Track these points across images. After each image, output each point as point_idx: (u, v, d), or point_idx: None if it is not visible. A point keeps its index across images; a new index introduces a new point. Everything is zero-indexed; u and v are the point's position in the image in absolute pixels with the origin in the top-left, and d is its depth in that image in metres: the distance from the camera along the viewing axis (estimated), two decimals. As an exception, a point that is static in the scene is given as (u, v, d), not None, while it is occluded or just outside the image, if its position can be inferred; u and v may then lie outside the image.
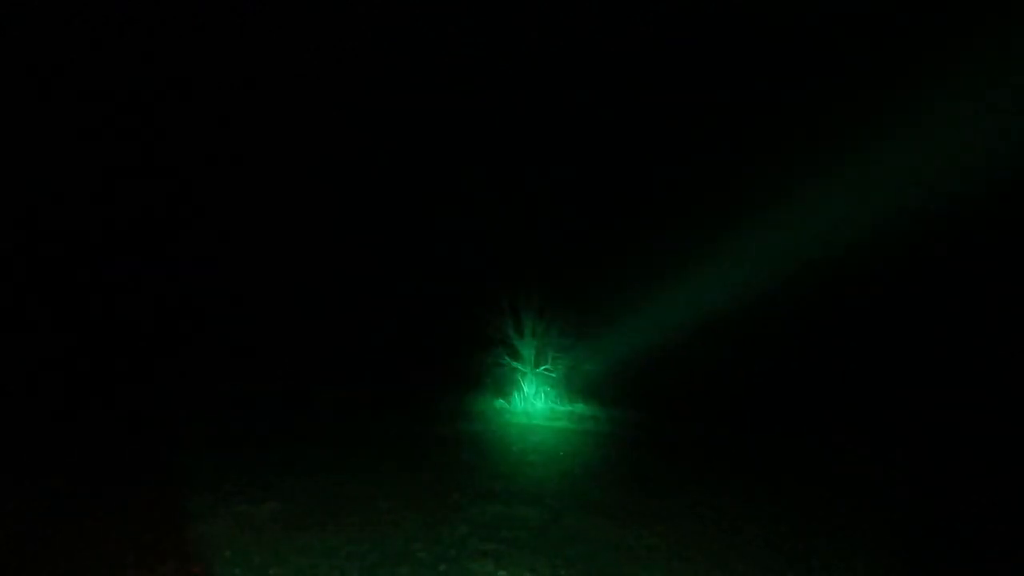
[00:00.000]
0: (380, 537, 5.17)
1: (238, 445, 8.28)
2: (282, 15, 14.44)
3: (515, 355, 14.01)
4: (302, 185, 15.72)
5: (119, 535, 4.91)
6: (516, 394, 13.54)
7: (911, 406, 11.18)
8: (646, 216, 14.89)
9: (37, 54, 13.21)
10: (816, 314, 12.72)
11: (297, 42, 14.80)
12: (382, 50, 15.36)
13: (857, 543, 5.68)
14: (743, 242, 13.54)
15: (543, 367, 13.80)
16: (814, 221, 12.79)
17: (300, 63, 14.97)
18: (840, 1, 12.73)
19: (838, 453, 10.05)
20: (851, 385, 12.12)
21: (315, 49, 14.86)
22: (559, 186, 14.67)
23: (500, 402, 13.19)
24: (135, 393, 11.77)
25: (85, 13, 13.04)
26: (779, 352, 12.91)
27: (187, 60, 14.39)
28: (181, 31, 14.16)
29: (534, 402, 13.40)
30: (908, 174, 12.01)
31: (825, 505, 7.00)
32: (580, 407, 13.02)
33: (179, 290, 14.77)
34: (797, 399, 11.95)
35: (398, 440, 9.28)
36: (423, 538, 5.19)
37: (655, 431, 11.41)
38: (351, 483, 6.74)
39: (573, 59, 14.60)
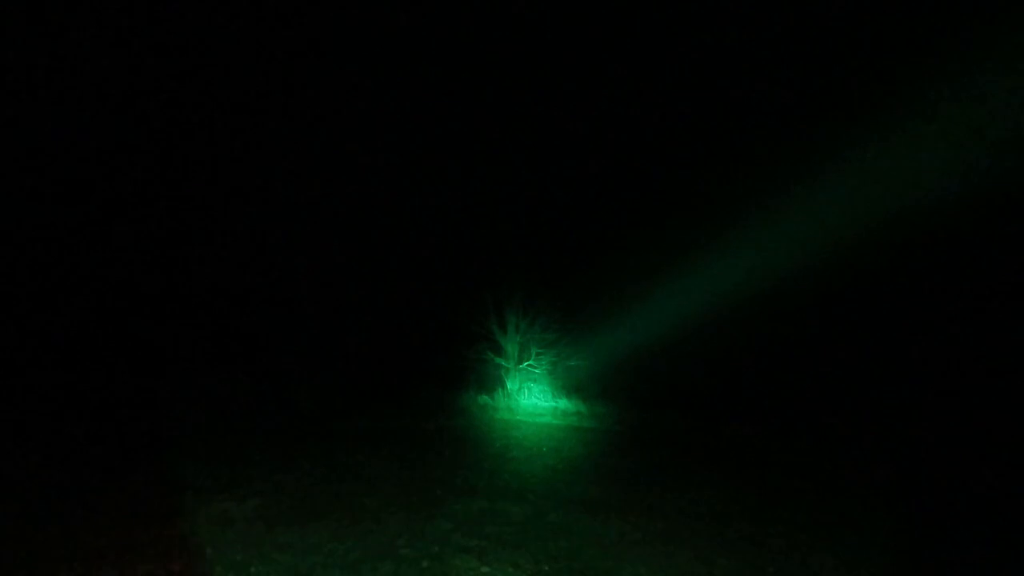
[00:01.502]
0: (363, 534, 5.16)
1: (221, 443, 8.20)
2: (269, 20, 14.34)
3: (499, 351, 14.03)
4: (289, 187, 15.63)
5: (100, 532, 4.84)
6: (499, 390, 13.55)
7: (903, 404, 11.33)
8: (630, 214, 14.97)
9: (42, 54, 13.06)
10: (806, 311, 12.87)
11: (285, 45, 14.70)
12: (368, 50, 15.28)
13: (840, 539, 5.78)
14: (731, 239, 13.66)
15: (526, 363, 13.84)
16: (806, 219, 12.91)
17: (286, 65, 14.88)
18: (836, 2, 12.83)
19: (826, 450, 10.18)
20: (842, 383, 12.25)
21: (301, 52, 14.77)
22: (543, 184, 14.70)
23: (484, 398, 13.19)
24: (120, 393, 11.60)
25: (89, 15, 12.90)
26: (767, 349, 13.06)
27: (178, 65, 14.29)
28: (180, 32, 14.04)
29: (517, 398, 13.43)
30: (903, 174, 12.14)
31: (810, 501, 7.10)
32: (563, 403, 13.07)
33: (166, 291, 14.62)
34: (785, 396, 12.06)
35: (381, 436, 9.26)
36: (406, 534, 5.19)
37: (639, 427, 11.50)
38: (333, 480, 6.71)
39: (560, 59, 14.62)
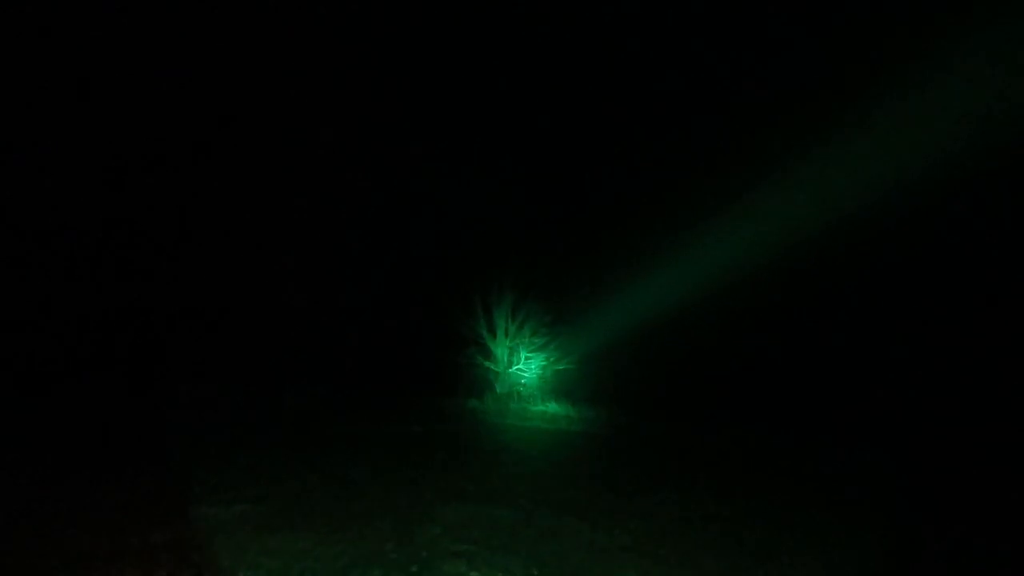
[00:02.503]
0: (352, 538, 5.13)
1: (208, 448, 8.13)
2: (250, 31, 14.32)
3: (488, 355, 14.02)
4: (281, 194, 15.59)
5: (87, 536, 4.79)
6: (489, 394, 13.55)
7: (886, 406, 11.44)
8: (620, 219, 15.05)
9: (36, 56, 12.96)
10: (793, 318, 12.97)
11: (266, 46, 14.67)
12: (354, 55, 15.30)
13: (829, 541, 5.83)
14: (721, 246, 13.75)
15: (516, 367, 13.85)
16: (793, 217, 13.00)
17: (269, 67, 14.85)
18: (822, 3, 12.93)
19: (813, 452, 10.26)
20: (828, 386, 12.36)
21: (282, 52, 14.76)
22: (533, 188, 14.76)
23: (473, 402, 13.18)
24: (109, 400, 11.47)
25: (81, 16, 12.81)
26: (753, 352, 13.15)
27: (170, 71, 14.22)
28: (170, 36, 13.99)
29: (507, 402, 13.43)
30: (898, 171, 12.21)
31: (796, 503, 7.16)
32: (552, 407, 13.09)
33: (159, 299, 14.51)
34: (772, 399, 12.15)
35: (371, 441, 9.22)
36: (395, 539, 5.17)
37: (627, 430, 11.54)
38: (322, 484, 6.67)
39: (547, 57, 14.68)
